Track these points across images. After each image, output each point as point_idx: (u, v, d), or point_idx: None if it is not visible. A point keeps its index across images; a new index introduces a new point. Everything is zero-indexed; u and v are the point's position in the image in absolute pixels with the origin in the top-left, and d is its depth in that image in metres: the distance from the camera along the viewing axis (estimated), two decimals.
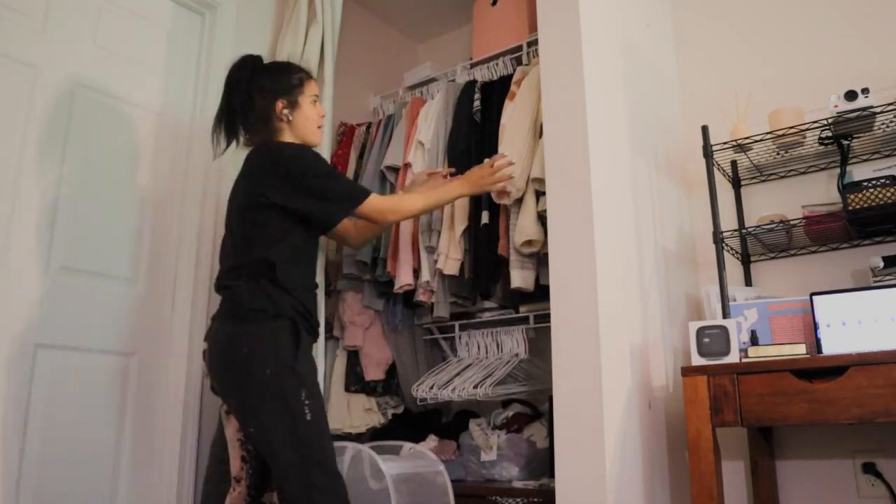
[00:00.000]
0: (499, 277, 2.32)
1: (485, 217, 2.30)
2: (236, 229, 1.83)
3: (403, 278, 2.38)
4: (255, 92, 1.89)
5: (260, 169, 1.82)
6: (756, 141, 2.08)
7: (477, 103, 2.46)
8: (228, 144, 1.94)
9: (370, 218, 1.93)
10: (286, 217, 1.80)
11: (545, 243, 2.07)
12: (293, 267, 1.80)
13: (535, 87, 2.28)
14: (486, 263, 2.28)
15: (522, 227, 2.13)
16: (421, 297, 2.39)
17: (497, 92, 2.45)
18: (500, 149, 2.21)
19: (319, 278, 2.16)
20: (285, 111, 1.90)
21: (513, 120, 2.26)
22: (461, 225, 2.32)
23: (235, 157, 2.59)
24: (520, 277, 2.18)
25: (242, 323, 1.72)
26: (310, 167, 1.82)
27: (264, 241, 1.78)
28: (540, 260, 2.21)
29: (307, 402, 1.68)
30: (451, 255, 2.31)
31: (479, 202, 2.33)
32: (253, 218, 1.79)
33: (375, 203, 1.89)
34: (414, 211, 1.99)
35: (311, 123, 1.95)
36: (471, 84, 2.53)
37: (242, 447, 1.77)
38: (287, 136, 1.92)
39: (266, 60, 1.98)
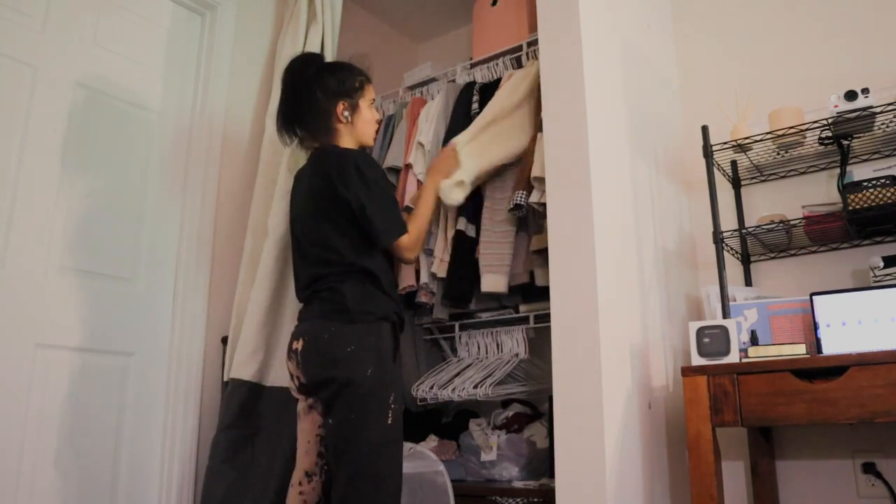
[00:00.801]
0: (472, 284, 2.29)
1: (461, 224, 2.30)
2: (321, 233, 1.80)
3: (406, 280, 2.39)
4: (319, 92, 1.87)
5: (338, 175, 1.78)
6: (756, 141, 2.08)
7: (475, 105, 2.46)
8: (292, 141, 1.94)
9: (397, 252, 1.85)
10: None
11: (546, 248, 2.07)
12: (390, 273, 1.84)
13: (521, 83, 2.29)
14: (461, 268, 2.27)
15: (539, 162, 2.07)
16: (422, 298, 2.39)
17: (495, 93, 2.45)
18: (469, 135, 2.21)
19: None
20: (346, 113, 1.89)
21: (493, 108, 2.27)
22: (452, 230, 2.33)
23: (230, 157, 2.60)
24: (490, 282, 2.19)
25: (350, 323, 1.71)
26: (380, 185, 1.81)
27: (359, 248, 1.78)
28: (539, 260, 2.21)
29: (393, 406, 1.70)
30: (444, 259, 2.31)
31: (462, 209, 2.30)
32: (338, 224, 1.78)
33: (404, 241, 1.83)
34: (421, 235, 1.92)
35: (369, 127, 1.95)
36: (469, 85, 2.53)
37: (321, 443, 1.78)
38: (345, 138, 1.91)
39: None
